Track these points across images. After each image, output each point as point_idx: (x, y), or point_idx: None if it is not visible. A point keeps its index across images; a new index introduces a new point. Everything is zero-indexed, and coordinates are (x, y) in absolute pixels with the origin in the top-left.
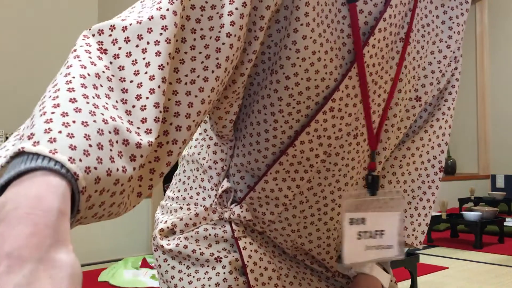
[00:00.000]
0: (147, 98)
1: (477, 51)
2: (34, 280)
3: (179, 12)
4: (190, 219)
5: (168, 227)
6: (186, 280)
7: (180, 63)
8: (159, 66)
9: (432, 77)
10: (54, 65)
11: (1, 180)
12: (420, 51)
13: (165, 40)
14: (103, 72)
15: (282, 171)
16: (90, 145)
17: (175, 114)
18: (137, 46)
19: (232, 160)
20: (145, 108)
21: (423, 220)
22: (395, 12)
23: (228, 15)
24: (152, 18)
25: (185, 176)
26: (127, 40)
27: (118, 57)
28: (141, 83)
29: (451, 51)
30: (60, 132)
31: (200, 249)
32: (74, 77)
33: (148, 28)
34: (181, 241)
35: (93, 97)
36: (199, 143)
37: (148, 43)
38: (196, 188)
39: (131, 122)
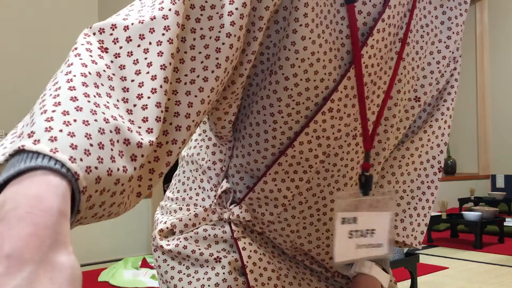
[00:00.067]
0: (149, 97)
1: (477, 51)
2: (34, 282)
3: (182, 12)
4: (190, 219)
5: (167, 228)
6: (186, 281)
7: (180, 63)
8: (161, 66)
9: (431, 78)
10: (54, 65)
11: (0, 178)
12: (419, 51)
13: (168, 41)
14: (104, 71)
15: (281, 171)
16: (91, 145)
17: (174, 114)
18: (138, 46)
19: (231, 161)
20: (146, 108)
21: (422, 220)
22: (393, 13)
23: (228, 15)
24: (155, 18)
25: (184, 177)
26: (128, 39)
27: (119, 56)
28: (142, 82)
29: (450, 51)
30: (61, 131)
31: (199, 249)
32: (75, 76)
33: (150, 28)
34: (180, 242)
35: (94, 96)
36: (198, 143)
37: (150, 43)
38: (195, 189)
39: (132, 121)
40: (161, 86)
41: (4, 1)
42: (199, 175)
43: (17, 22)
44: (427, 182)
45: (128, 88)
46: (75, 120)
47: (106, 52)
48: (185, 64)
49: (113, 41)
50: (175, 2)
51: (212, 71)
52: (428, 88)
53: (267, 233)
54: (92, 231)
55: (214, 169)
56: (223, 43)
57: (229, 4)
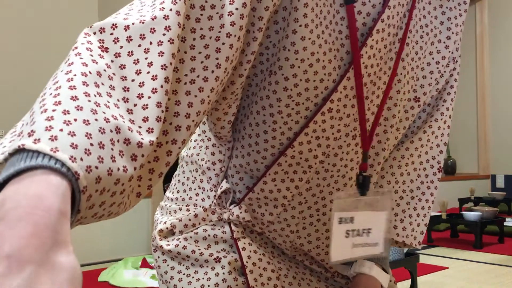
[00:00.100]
0: (149, 97)
1: (477, 51)
2: (34, 282)
3: (183, 12)
4: (189, 220)
5: (167, 228)
6: (186, 281)
7: (180, 63)
8: (162, 66)
9: (431, 78)
10: (54, 65)
11: (0, 177)
12: (419, 52)
13: (168, 41)
14: (105, 70)
15: (281, 172)
16: (92, 144)
17: (174, 114)
18: (139, 45)
19: (230, 161)
20: (147, 107)
21: (422, 220)
22: (393, 13)
23: (228, 15)
24: (155, 18)
25: (184, 177)
26: (129, 39)
27: (120, 56)
28: (143, 82)
29: (449, 51)
30: (61, 130)
31: (199, 249)
32: (75, 75)
33: (151, 28)
34: (180, 242)
35: (95, 95)
36: (198, 144)
37: (150, 43)
38: (195, 189)
39: (133, 121)
40: (161, 86)
41: (4, 1)
42: (199, 175)
43: (17, 22)
44: (427, 182)
45: (128, 88)
46: (75, 120)
47: (107, 51)
48: (185, 64)
49: (113, 41)
50: (176, 2)
51: (212, 71)
52: (428, 89)
53: (267, 233)
54: (92, 231)
55: (214, 170)
56: (223, 43)
57: (229, 4)
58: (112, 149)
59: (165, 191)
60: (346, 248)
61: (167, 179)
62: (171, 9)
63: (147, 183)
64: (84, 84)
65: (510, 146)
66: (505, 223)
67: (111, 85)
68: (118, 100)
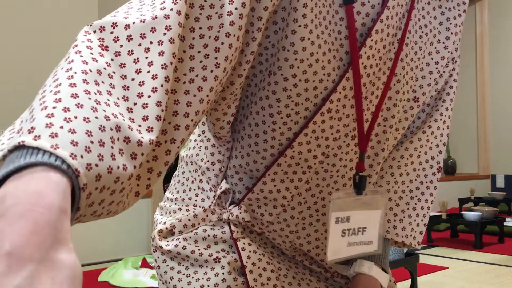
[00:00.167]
0: (149, 96)
1: (477, 51)
2: (35, 281)
3: (183, 12)
4: (189, 220)
5: (167, 228)
6: (185, 281)
7: (179, 62)
8: (162, 65)
9: (430, 78)
10: (54, 65)
11: None
12: (418, 52)
13: (169, 40)
14: (105, 68)
15: (280, 172)
16: (92, 142)
17: (173, 113)
18: (139, 45)
19: (230, 161)
20: (146, 106)
21: (422, 220)
22: (392, 13)
23: (227, 15)
24: (156, 17)
25: (184, 178)
26: (129, 38)
27: (120, 55)
28: (143, 81)
29: (448, 52)
30: (61, 127)
31: (199, 249)
32: (75, 72)
33: (152, 28)
34: (180, 242)
35: (95, 93)
36: (197, 144)
37: (151, 42)
38: (194, 190)
39: (133, 119)
40: (161, 85)
41: (4, 1)
42: (198, 175)
43: (17, 22)
44: (426, 182)
45: (128, 87)
46: (75, 117)
47: (107, 50)
48: (184, 63)
49: (113, 40)
50: (177, 2)
51: (211, 71)
52: (427, 89)
53: (267, 233)
54: (92, 231)
55: (213, 170)
56: (222, 43)
57: (229, 4)
58: (112, 147)
59: (165, 191)
60: (342, 247)
61: (167, 179)
62: (171, 9)
63: (146, 182)
64: (84, 82)
65: (510, 146)
66: (505, 223)
67: (111, 84)
68: (118, 99)
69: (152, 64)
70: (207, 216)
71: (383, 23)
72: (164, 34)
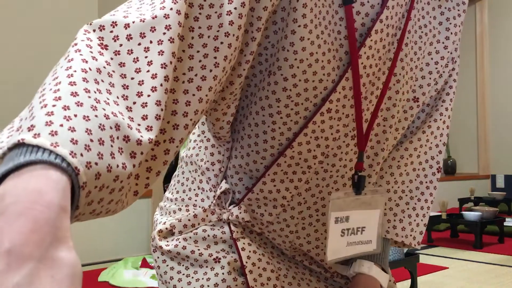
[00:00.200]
0: (149, 95)
1: (477, 51)
2: (34, 280)
3: (183, 12)
4: (189, 220)
5: (166, 228)
6: (185, 281)
7: (178, 61)
8: (161, 65)
9: (430, 78)
10: (54, 65)
11: None
12: (418, 52)
13: (169, 40)
14: (104, 67)
15: (280, 172)
16: (92, 140)
17: (172, 113)
18: (139, 44)
19: (230, 161)
20: (146, 105)
21: (421, 220)
22: (391, 13)
23: (226, 14)
24: (156, 17)
25: (183, 178)
26: (129, 37)
27: (119, 54)
28: (142, 80)
29: (448, 52)
30: (61, 125)
31: (199, 250)
32: (75, 71)
33: (152, 27)
34: (179, 242)
35: (95, 92)
36: (197, 144)
37: (151, 42)
38: (194, 190)
39: (132, 118)
40: (161, 85)
41: (4, 1)
42: (198, 176)
43: (17, 22)
44: (426, 182)
45: (128, 86)
46: (75, 115)
47: (106, 49)
48: (183, 63)
49: (113, 39)
50: (177, 2)
51: (211, 70)
52: (427, 89)
53: (266, 233)
54: (92, 231)
55: (213, 170)
56: (222, 42)
57: (228, 3)
58: (111, 146)
59: (165, 191)
60: (341, 246)
61: (167, 179)
62: (171, 8)
63: (145, 181)
64: (84, 81)
65: (510, 146)
66: (505, 223)
67: (110, 82)
68: (117, 98)
69: (151, 64)
70: (207, 216)
71: (383, 23)
72: (164, 33)
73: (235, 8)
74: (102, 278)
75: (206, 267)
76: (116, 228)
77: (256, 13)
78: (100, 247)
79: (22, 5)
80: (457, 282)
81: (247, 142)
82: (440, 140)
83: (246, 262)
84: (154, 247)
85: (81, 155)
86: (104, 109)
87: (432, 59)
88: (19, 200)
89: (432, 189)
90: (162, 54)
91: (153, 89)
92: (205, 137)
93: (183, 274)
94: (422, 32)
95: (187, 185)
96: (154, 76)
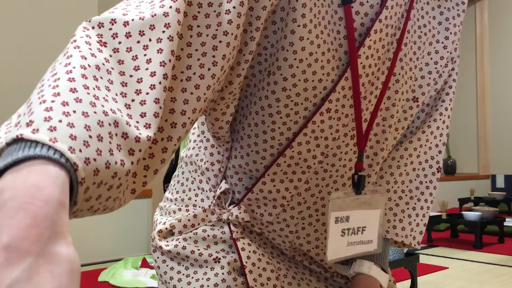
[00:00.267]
0: (147, 93)
1: (477, 51)
2: (33, 275)
3: (182, 10)
4: (189, 220)
5: (166, 228)
6: (185, 281)
7: (177, 60)
8: (160, 63)
9: (429, 78)
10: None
11: None
12: (417, 52)
13: (168, 38)
14: (103, 64)
15: (280, 172)
16: (90, 136)
17: (170, 111)
18: (138, 42)
19: (229, 161)
20: (144, 103)
21: (421, 220)
22: (391, 13)
23: (225, 13)
24: (155, 15)
25: (183, 178)
26: (128, 35)
27: (118, 51)
28: (141, 78)
29: (448, 51)
30: (60, 121)
31: (198, 250)
32: (74, 67)
33: (151, 25)
34: (179, 242)
35: (94, 88)
36: (197, 144)
37: (150, 40)
38: (194, 190)
39: (130, 115)
40: (160, 83)
41: (4, 1)
42: (198, 176)
43: (17, 22)
44: (426, 182)
45: (126, 83)
46: (74, 111)
47: (105, 46)
48: (181, 61)
49: (112, 36)
50: (176, 0)
51: (209, 69)
52: (426, 89)
53: (266, 233)
54: (92, 231)
55: (213, 170)
56: (220, 41)
57: (227, 2)
58: (110, 143)
59: (165, 191)
60: (341, 246)
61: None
62: (171, 7)
63: (142, 180)
64: (83, 77)
65: (510, 146)
66: (505, 223)
67: (109, 79)
68: (116, 95)
69: (150, 62)
70: (206, 216)
71: (382, 23)
72: (163, 31)
73: (234, 7)
74: (102, 278)
75: (206, 267)
76: (116, 228)
77: (255, 13)
78: (100, 247)
79: (22, 5)
80: (457, 282)
81: (246, 142)
82: (440, 140)
83: (246, 262)
84: (154, 247)
85: (80, 151)
86: (103, 106)
87: (431, 59)
88: (18, 195)
89: (432, 189)
90: (161, 52)
91: (152, 87)
92: (204, 137)
93: (183, 274)
94: (421, 32)
95: (187, 185)
96: (153, 74)
